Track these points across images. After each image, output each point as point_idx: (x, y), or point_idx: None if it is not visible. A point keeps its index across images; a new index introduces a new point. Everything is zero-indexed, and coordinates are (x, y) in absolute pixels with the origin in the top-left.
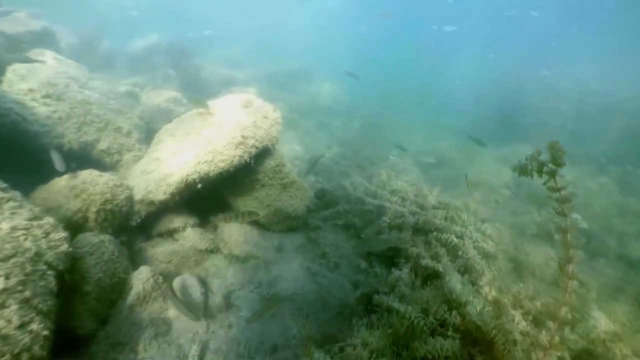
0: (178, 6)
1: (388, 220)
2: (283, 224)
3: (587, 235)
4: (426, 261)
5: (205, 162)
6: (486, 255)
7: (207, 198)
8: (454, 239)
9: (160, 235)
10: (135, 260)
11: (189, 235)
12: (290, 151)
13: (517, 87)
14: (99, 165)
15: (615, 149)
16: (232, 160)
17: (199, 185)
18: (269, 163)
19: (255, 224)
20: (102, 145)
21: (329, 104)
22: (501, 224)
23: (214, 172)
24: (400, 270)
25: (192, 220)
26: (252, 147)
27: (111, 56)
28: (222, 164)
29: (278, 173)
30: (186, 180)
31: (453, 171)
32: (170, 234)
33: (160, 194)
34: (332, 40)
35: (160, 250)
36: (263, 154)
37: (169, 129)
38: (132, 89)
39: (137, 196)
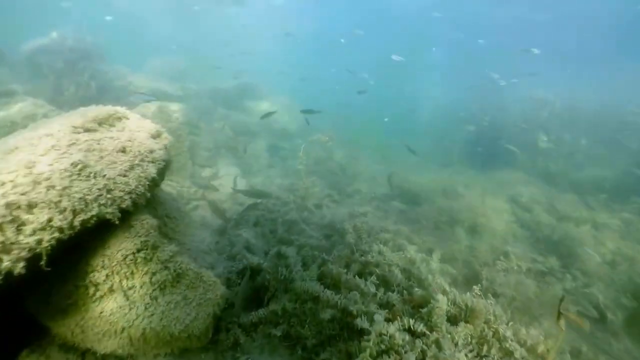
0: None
1: None
2: (169, 346)
3: None
4: None
5: None
6: None
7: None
8: None
9: None
10: None
11: None
12: (224, 188)
13: (496, 107)
14: None
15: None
16: None
17: None
18: (121, 247)
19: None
20: None
21: (281, 124)
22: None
23: None
24: None
25: None
26: (45, 227)
27: None
28: None
29: (144, 263)
30: None
31: (435, 209)
32: None
33: None
34: (288, 55)
35: None
36: (103, 229)
37: None
38: None
39: None
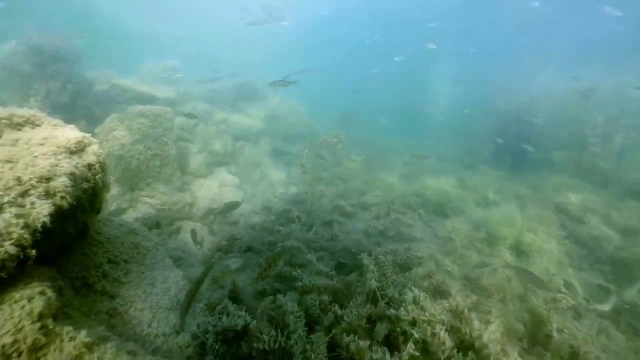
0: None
1: None
2: None
3: None
4: None
5: None
6: None
7: None
8: None
9: None
10: None
11: None
12: (219, 202)
13: (526, 98)
14: None
15: None
16: None
17: None
18: None
19: None
20: None
21: (286, 125)
22: None
23: None
24: None
25: None
26: None
27: None
28: None
29: None
30: None
31: (467, 223)
32: None
33: None
34: (292, 53)
35: None
36: None
37: None
38: None
39: None
